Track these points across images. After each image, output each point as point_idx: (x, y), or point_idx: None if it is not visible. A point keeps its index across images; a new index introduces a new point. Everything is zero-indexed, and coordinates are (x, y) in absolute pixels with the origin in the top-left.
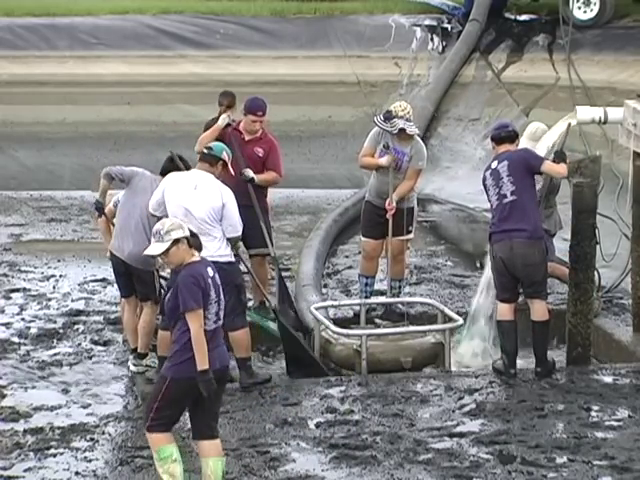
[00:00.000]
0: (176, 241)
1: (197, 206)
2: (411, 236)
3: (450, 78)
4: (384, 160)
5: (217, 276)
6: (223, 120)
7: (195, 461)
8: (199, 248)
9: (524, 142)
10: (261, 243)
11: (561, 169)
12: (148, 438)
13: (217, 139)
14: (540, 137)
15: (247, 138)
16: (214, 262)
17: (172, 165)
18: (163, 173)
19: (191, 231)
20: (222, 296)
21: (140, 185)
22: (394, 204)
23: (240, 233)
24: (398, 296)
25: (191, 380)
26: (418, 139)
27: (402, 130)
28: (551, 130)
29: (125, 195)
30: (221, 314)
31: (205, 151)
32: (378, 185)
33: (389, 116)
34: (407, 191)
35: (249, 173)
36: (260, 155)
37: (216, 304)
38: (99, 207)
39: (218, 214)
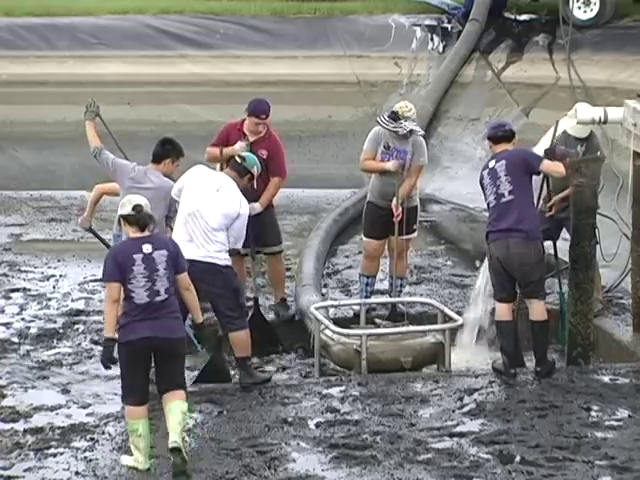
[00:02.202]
0: (119, 219)
1: (210, 210)
2: (415, 235)
3: (450, 78)
4: (391, 165)
5: (159, 253)
6: (241, 149)
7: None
8: (140, 224)
9: (565, 120)
10: (274, 241)
11: (560, 168)
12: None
13: (222, 160)
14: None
15: (251, 139)
16: (212, 264)
17: (164, 149)
18: (155, 159)
19: (137, 206)
20: (162, 272)
21: (134, 187)
22: (401, 208)
23: (239, 247)
24: (400, 294)
25: (128, 344)
26: (417, 136)
27: (411, 132)
28: (549, 131)
29: (122, 196)
30: (161, 289)
31: (238, 160)
32: (381, 186)
33: (395, 117)
34: (410, 190)
35: (253, 210)
36: (265, 157)
37: (145, 279)
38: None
39: (229, 221)
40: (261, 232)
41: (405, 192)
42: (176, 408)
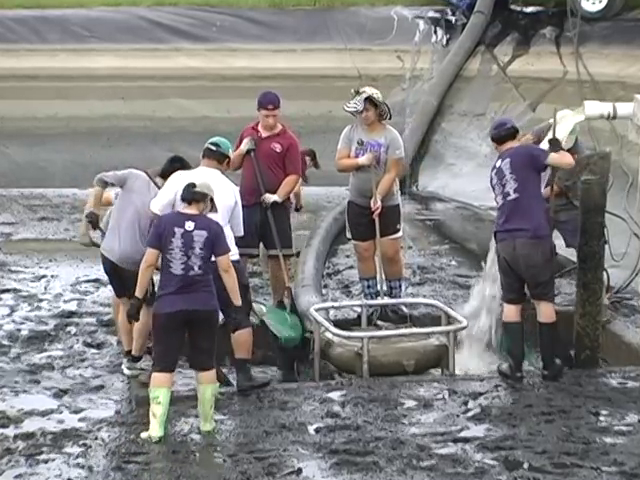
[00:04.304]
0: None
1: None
2: (399, 235)
3: (454, 72)
4: (364, 159)
5: (199, 233)
6: (245, 145)
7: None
8: (186, 199)
9: (565, 112)
10: (288, 243)
11: (569, 159)
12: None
13: (241, 161)
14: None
15: (264, 135)
16: None
17: (173, 167)
18: (163, 175)
19: (189, 184)
20: (197, 251)
21: (136, 185)
22: (379, 203)
23: (242, 234)
24: (399, 297)
25: (164, 315)
26: (390, 127)
27: (368, 100)
28: (557, 127)
29: (120, 196)
30: (195, 266)
31: (213, 148)
32: (359, 183)
33: (353, 96)
34: (390, 185)
35: (269, 199)
36: (277, 151)
37: (181, 252)
38: (93, 219)
39: (229, 212)
40: (277, 233)
41: (385, 187)
42: (207, 393)
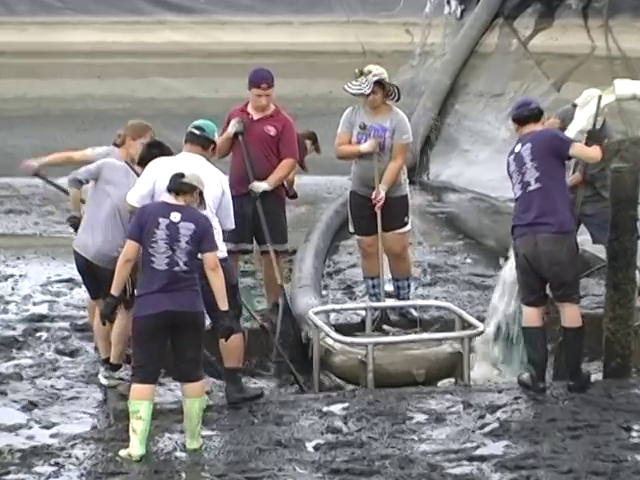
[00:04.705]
0: None
1: None
2: (408, 227)
3: (470, 47)
4: (366, 145)
5: (186, 225)
6: (232, 127)
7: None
8: (174, 190)
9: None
10: (280, 238)
11: (594, 152)
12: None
13: (229, 146)
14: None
15: (256, 117)
16: None
17: (150, 153)
18: (141, 162)
19: (178, 174)
20: (183, 245)
21: (112, 175)
22: (383, 194)
23: (232, 227)
24: (407, 298)
25: (146, 317)
26: (397, 110)
27: (378, 83)
28: (584, 108)
29: (94, 187)
30: (180, 262)
31: (197, 132)
32: (361, 172)
33: (358, 75)
34: (396, 173)
35: (258, 188)
36: (271, 134)
37: (166, 246)
38: (75, 224)
39: (217, 203)
40: (267, 225)
41: (390, 176)
42: (194, 407)
